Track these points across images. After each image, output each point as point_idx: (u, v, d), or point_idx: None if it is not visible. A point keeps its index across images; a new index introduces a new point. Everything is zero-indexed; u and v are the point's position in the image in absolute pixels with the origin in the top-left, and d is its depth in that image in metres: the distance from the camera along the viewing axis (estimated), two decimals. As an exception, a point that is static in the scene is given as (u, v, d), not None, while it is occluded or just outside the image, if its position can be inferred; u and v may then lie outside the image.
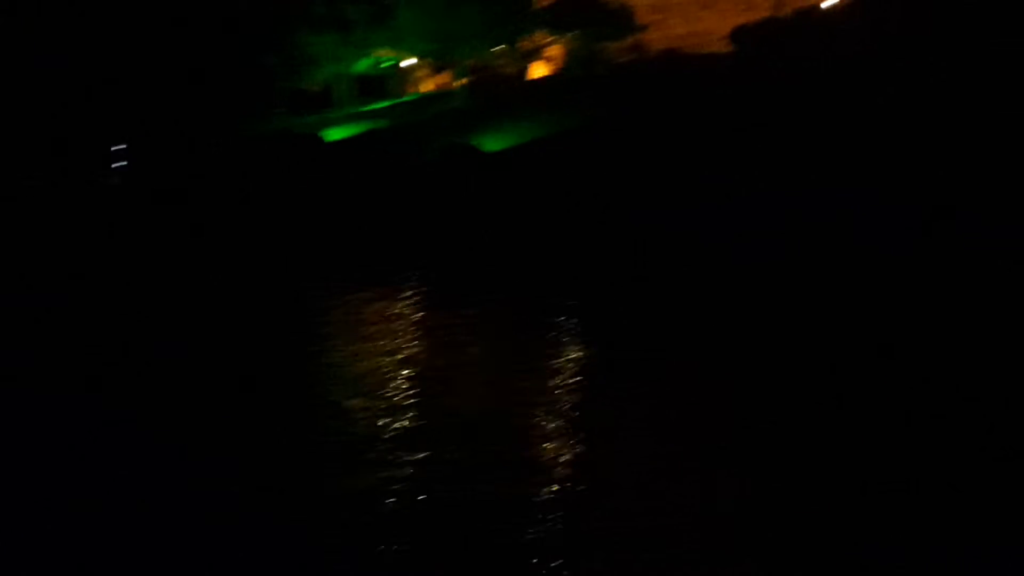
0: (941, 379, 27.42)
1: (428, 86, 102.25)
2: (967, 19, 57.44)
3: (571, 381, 29.63)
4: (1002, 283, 34.23)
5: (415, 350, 34.28)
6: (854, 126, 52.43)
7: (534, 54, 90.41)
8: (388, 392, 29.53)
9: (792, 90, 59.10)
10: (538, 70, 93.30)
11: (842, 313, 34.77)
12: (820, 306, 35.92)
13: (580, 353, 32.69)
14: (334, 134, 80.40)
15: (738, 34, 72.68)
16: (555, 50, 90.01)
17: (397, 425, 26.66)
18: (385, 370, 31.69)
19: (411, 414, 27.42)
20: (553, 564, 18.72)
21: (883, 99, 54.34)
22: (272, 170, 69.57)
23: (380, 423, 26.72)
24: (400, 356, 33.36)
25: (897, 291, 36.34)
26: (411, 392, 29.41)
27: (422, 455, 24.31)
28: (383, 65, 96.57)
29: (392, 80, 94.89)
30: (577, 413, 26.95)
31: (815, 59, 62.46)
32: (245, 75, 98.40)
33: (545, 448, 24.40)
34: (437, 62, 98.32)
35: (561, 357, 32.07)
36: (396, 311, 40.18)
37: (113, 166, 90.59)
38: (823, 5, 73.29)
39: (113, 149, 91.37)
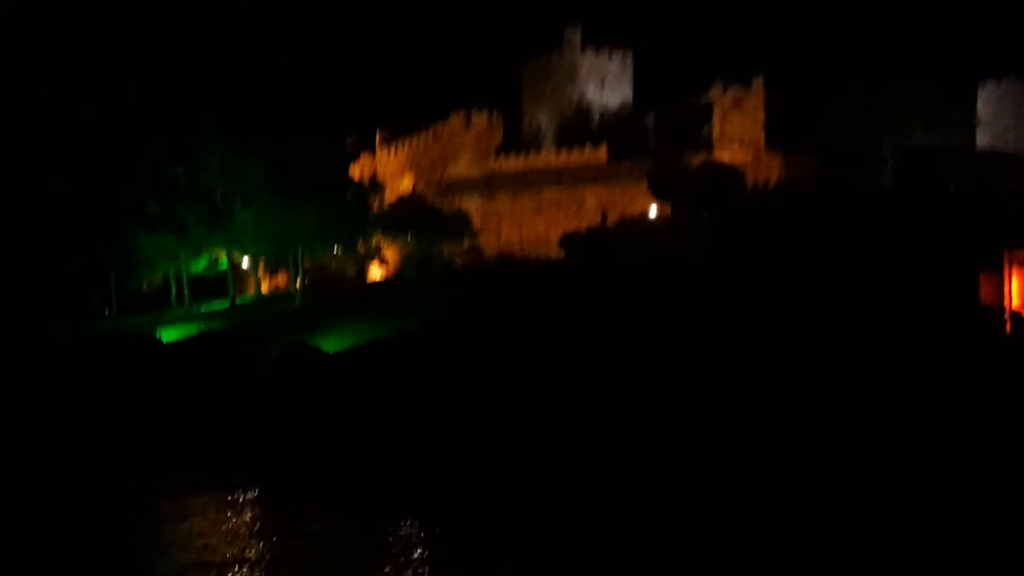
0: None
1: (266, 286, 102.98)
2: (765, 234, 62.87)
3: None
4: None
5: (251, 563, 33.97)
6: (673, 323, 56.16)
7: (372, 256, 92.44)
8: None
9: (618, 291, 62.73)
10: (376, 271, 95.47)
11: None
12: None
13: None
14: (170, 334, 79.45)
15: (567, 239, 76.37)
16: (392, 252, 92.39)
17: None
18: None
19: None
20: None
21: (697, 302, 58.54)
22: (105, 372, 67.87)
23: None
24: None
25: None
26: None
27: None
28: (220, 266, 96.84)
29: (229, 280, 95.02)
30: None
31: (638, 263, 66.43)
32: (75, 276, 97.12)
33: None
34: (274, 262, 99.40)
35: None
36: (232, 520, 39.81)
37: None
38: (649, 215, 78.41)
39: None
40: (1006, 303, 53.02)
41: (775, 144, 78.19)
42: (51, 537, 37.69)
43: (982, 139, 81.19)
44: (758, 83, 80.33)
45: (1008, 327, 51.82)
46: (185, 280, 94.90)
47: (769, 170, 75.76)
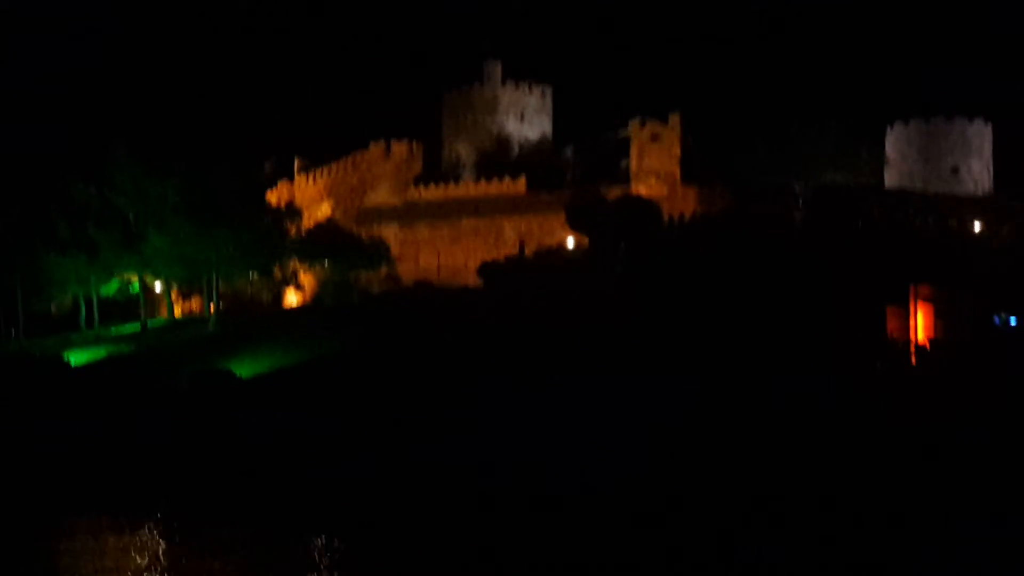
0: None
1: (179, 310, 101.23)
2: (679, 266, 63.82)
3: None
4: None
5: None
6: (588, 350, 56.67)
7: (288, 281, 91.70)
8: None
9: (534, 318, 63.13)
10: (292, 297, 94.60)
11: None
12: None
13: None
14: (78, 357, 77.70)
15: (485, 268, 76.67)
16: (309, 278, 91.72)
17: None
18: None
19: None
20: None
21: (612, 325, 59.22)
22: (12, 394, 65.97)
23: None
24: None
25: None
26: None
27: None
28: (131, 289, 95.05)
29: (140, 303, 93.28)
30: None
31: (554, 292, 66.86)
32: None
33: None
34: (188, 286, 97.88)
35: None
36: (138, 544, 39.00)
37: None
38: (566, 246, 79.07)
39: None
40: (911, 336, 54.55)
41: (691, 178, 79.61)
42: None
43: (889, 178, 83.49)
44: (675, 119, 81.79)
45: (913, 359, 53.29)
46: (95, 302, 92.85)
47: (684, 204, 77.06)
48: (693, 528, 37.11)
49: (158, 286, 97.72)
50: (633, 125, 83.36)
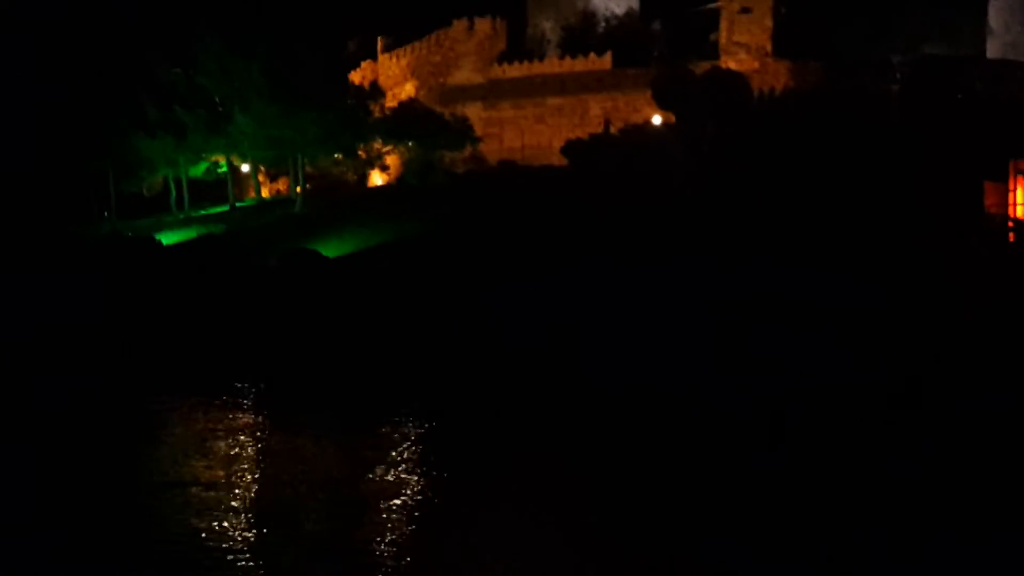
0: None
1: (266, 191, 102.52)
2: (769, 140, 62.28)
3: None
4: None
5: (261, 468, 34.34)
6: (675, 228, 55.98)
7: (373, 162, 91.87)
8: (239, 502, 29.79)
9: (619, 196, 62.40)
10: (377, 178, 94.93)
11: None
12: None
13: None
14: (169, 238, 79.43)
15: (570, 147, 75.77)
16: (393, 159, 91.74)
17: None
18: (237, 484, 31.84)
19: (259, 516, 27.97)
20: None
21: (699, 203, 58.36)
22: (107, 273, 67.82)
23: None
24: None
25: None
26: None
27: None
28: (219, 170, 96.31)
29: (229, 185, 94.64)
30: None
31: (640, 170, 65.94)
32: (73, 180, 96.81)
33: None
34: (274, 168, 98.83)
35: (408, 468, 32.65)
36: (232, 421, 39.53)
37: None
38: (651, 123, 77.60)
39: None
40: (1010, 212, 52.76)
41: (783, 52, 77.05)
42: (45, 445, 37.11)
43: (992, 49, 79.83)
44: (767, -11, 78.89)
45: (1012, 236, 51.65)
46: (184, 184, 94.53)
47: (775, 78, 74.73)
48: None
49: (245, 168, 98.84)
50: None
